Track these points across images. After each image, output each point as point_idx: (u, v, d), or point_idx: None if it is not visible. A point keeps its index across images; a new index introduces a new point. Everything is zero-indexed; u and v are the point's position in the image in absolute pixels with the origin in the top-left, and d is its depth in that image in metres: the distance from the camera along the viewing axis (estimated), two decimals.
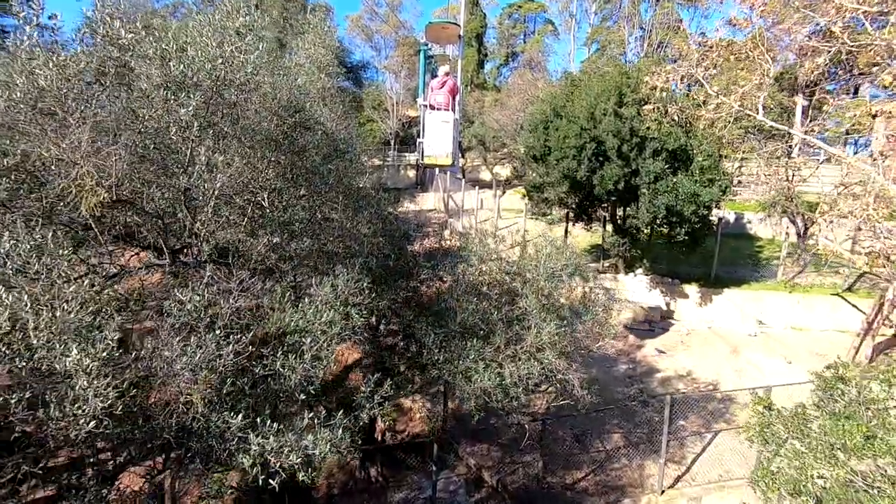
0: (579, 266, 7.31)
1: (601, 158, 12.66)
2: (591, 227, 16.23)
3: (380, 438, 11.29)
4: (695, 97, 12.62)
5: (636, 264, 16.65)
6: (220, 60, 4.18)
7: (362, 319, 5.06)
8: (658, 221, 12.69)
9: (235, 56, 4.52)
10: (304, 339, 4.58)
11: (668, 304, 16.13)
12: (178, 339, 3.96)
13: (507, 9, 46.93)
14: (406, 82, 41.22)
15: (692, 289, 15.93)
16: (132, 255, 5.49)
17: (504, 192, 24.42)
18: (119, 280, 4.49)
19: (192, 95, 3.98)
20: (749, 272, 17.14)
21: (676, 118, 12.58)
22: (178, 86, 4.04)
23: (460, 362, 6.16)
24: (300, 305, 4.81)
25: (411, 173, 32.59)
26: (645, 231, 13.03)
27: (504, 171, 26.75)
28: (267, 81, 5.28)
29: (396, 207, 9.04)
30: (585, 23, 41.78)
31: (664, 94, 13.00)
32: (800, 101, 27.32)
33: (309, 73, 7.71)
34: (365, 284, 5.38)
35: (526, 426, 7.96)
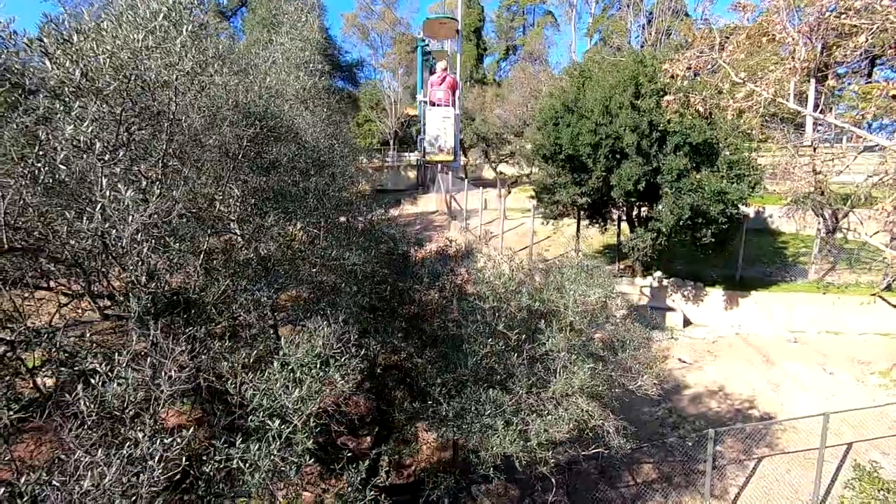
0: (613, 292, 6.11)
1: (618, 156, 11.44)
2: (605, 229, 14.99)
3: (384, 476, 10.17)
4: (720, 85, 11.40)
5: (654, 266, 15.42)
6: (136, 55, 3.00)
7: (348, 385, 3.90)
8: (682, 223, 11.46)
9: (167, 50, 3.35)
10: (271, 422, 3.43)
11: (690, 310, 14.91)
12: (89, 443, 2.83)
13: (505, 1, 45.51)
14: (404, 80, 39.95)
15: (716, 292, 14.70)
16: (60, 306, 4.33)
17: (510, 192, 23.19)
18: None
19: (93, 103, 2.81)
20: (775, 271, 15.89)
21: (701, 109, 11.34)
22: (76, 92, 2.87)
23: (475, 418, 4.99)
24: (267, 372, 3.67)
25: (412, 174, 31.39)
26: (667, 234, 11.81)
27: (509, 170, 25.50)
28: (219, 82, 4.10)
29: (393, 223, 7.82)
30: (586, 13, 40.36)
31: (685, 82, 11.76)
32: (812, 85, 25.98)
33: (285, 72, 6.52)
34: (353, 336, 4.23)
35: (552, 479, 6.80)
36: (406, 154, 34.50)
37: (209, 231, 4.26)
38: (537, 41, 39.47)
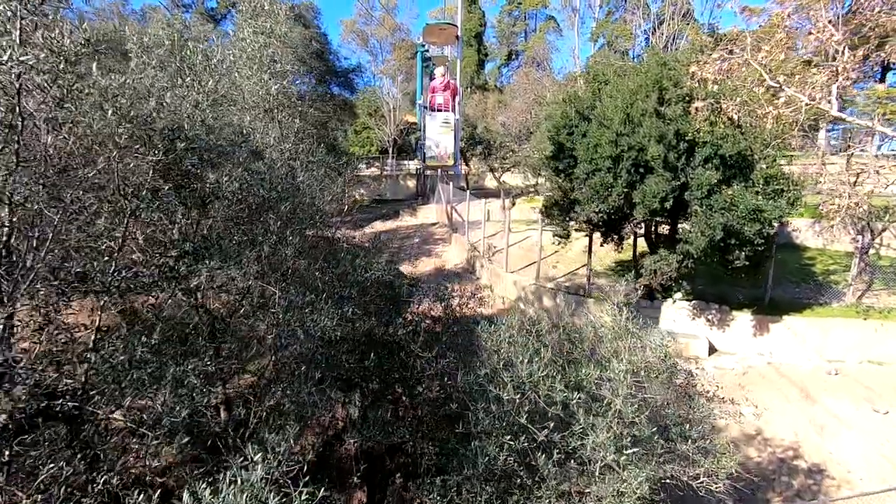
0: (671, 360, 4.69)
1: (641, 170, 10.04)
2: (621, 248, 13.57)
3: None
4: (754, 90, 10.02)
5: (673, 287, 13.97)
6: None
7: None
8: (713, 245, 10.05)
9: None
10: None
11: (715, 336, 13.46)
12: None
13: (506, 6, 44.29)
14: (404, 87, 38.69)
15: (744, 316, 13.25)
16: None
17: (514, 204, 21.77)
18: None
19: None
20: (806, 292, 14.46)
21: (735, 117, 9.95)
22: None
23: None
24: None
25: (411, 183, 30.02)
26: (697, 257, 10.39)
27: (512, 180, 24.10)
28: (103, 84, 2.70)
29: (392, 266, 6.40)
30: (589, 17, 39.08)
31: (715, 87, 10.38)
32: (834, 90, 24.59)
33: (244, 74, 5.14)
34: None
35: None
36: (405, 162, 33.17)
37: (102, 296, 2.85)
38: (540, 46, 38.19)
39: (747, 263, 10.60)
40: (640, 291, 14.59)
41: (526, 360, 3.66)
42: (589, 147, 10.03)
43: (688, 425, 4.49)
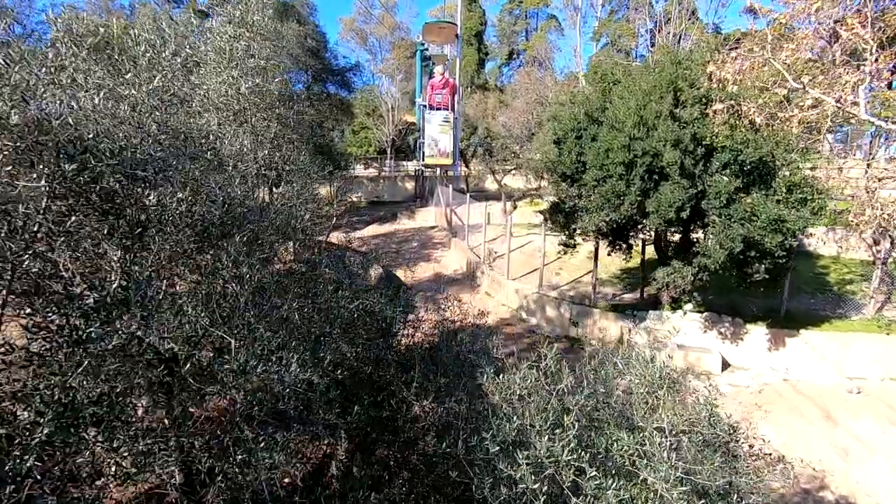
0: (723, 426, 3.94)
1: (656, 177, 9.28)
2: (629, 257, 12.82)
3: None
4: (776, 92, 9.28)
5: (683, 297, 13.23)
6: None
7: None
8: (732, 257, 9.30)
9: None
10: None
11: (728, 350, 12.72)
12: None
13: (507, 5, 43.47)
14: (403, 86, 37.89)
15: (759, 330, 12.51)
16: None
17: (515, 207, 21.00)
18: None
19: None
20: (822, 304, 13.73)
21: (758, 120, 9.20)
22: None
23: None
24: None
25: (409, 185, 29.22)
26: (715, 270, 9.63)
27: (513, 182, 23.32)
28: None
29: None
30: (592, 16, 38.28)
31: (734, 88, 9.63)
32: (862, 91, 23.89)
33: (212, 70, 4.36)
34: None
35: None
36: (404, 163, 32.38)
37: None
38: (541, 45, 37.38)
39: (767, 277, 9.85)
40: (646, 300, 13.90)
41: (546, 431, 2.91)
42: (599, 152, 9.27)
43: (735, 497, 3.73)
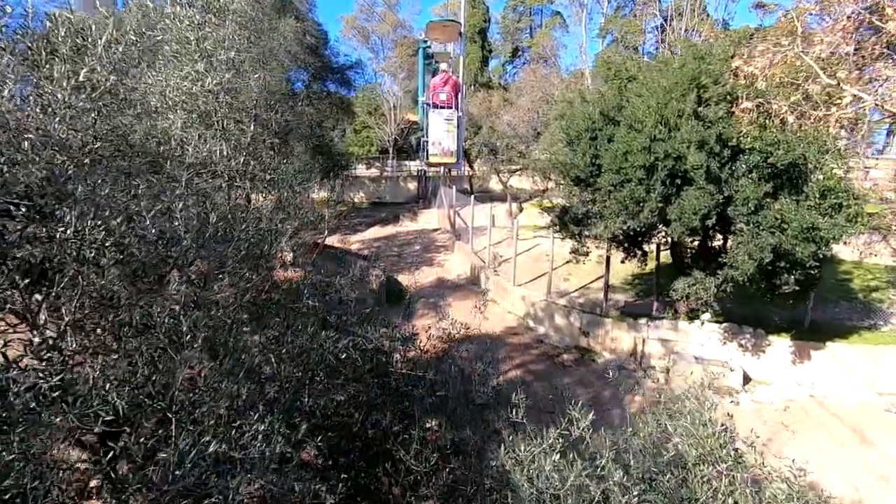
0: None
1: (678, 181, 8.50)
2: (645, 265, 12.05)
3: None
4: (809, 89, 8.49)
5: (701, 307, 12.43)
6: None
7: None
8: (761, 268, 8.53)
9: None
10: None
11: (749, 363, 11.94)
12: None
13: (511, 1, 42.56)
14: (405, 84, 37.12)
15: (782, 342, 11.72)
16: None
17: (521, 209, 20.22)
18: None
19: None
20: (848, 313, 12.93)
21: (791, 119, 8.40)
22: None
23: None
24: None
25: (412, 185, 28.45)
26: (743, 282, 8.85)
27: (520, 183, 22.54)
28: None
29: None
30: (597, 12, 37.40)
31: (763, 84, 8.84)
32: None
33: (163, 63, 3.63)
34: None
35: None
36: (406, 163, 31.61)
37: None
38: (546, 43, 36.52)
39: (797, 289, 9.06)
40: (660, 308, 13.11)
41: None
42: (616, 154, 8.49)
43: None
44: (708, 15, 30.85)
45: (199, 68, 3.67)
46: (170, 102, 3.54)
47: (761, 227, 8.50)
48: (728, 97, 8.86)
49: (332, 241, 21.91)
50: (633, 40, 33.47)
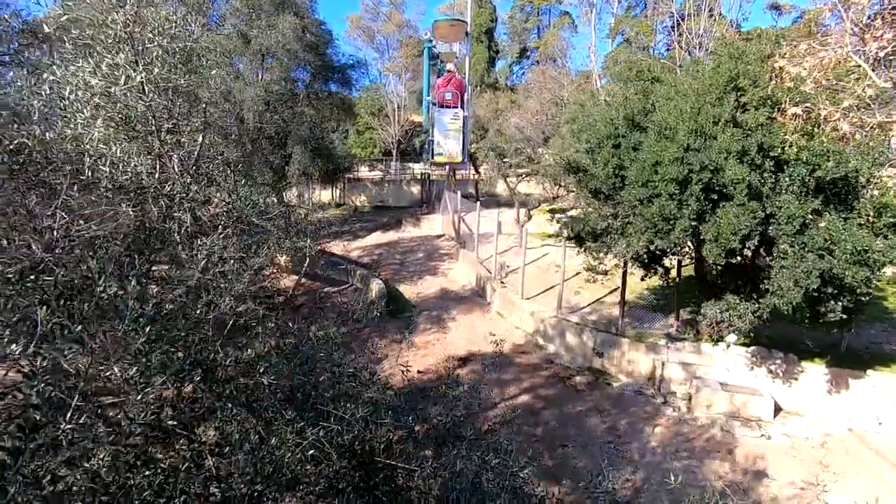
0: None
1: (714, 196, 7.47)
2: (667, 282, 11.00)
3: None
4: (862, 93, 7.46)
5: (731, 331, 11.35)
6: None
7: None
8: (807, 294, 7.48)
9: None
10: None
11: (780, 391, 10.88)
12: None
13: (518, 1, 41.50)
14: (410, 85, 36.17)
15: (816, 369, 10.65)
16: None
17: (530, 217, 19.18)
18: None
19: None
20: (887, 336, 11.84)
21: (847, 128, 7.36)
22: None
23: None
24: None
25: (415, 189, 27.44)
26: (787, 311, 7.80)
27: (528, 188, 21.50)
28: None
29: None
30: (607, 13, 36.29)
31: (809, 87, 7.80)
32: None
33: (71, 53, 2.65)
34: None
35: None
36: (410, 165, 30.62)
37: None
38: (554, 43, 35.45)
39: (844, 317, 8.00)
40: (681, 328, 12.06)
41: None
42: (645, 165, 7.47)
43: None
44: (722, 16, 29.71)
45: (121, 60, 2.69)
46: (77, 104, 2.55)
47: (807, 249, 7.45)
48: (768, 101, 7.82)
49: (334, 247, 20.97)
50: (645, 41, 32.38)
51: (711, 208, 7.44)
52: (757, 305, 8.02)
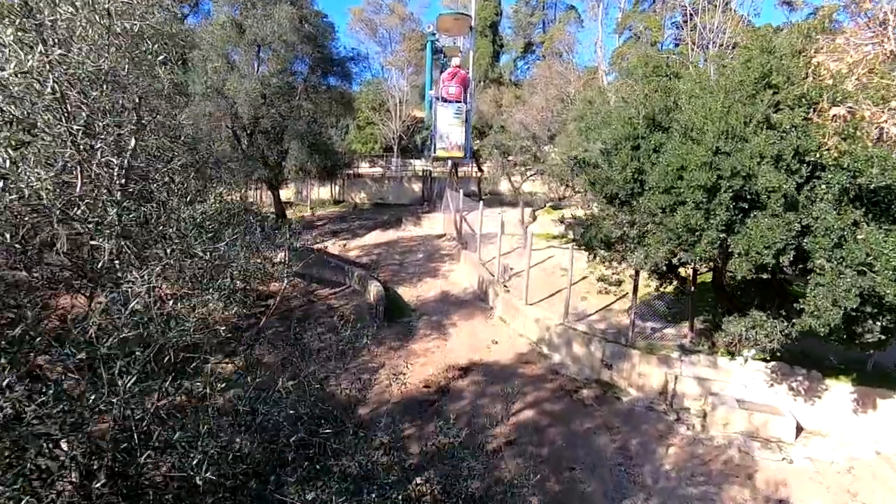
0: None
1: (744, 205, 6.72)
2: (685, 289, 10.27)
3: None
4: None
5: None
6: None
7: None
8: (845, 314, 6.75)
9: None
10: None
11: (801, 410, 10.17)
12: None
13: None
14: (413, 79, 35.32)
15: (841, 387, 9.94)
16: None
17: (535, 218, 18.42)
18: None
19: None
20: None
21: (894, 130, 6.60)
22: None
23: None
24: None
25: (416, 186, 26.66)
26: (824, 333, 7.07)
27: (533, 188, 20.73)
28: None
29: None
30: (614, 7, 35.31)
31: (850, 84, 7.06)
32: None
33: None
34: None
35: None
36: (411, 161, 29.82)
37: None
38: (560, 37, 34.53)
39: (882, 338, 7.28)
40: (694, 339, 11.32)
41: None
42: (668, 170, 6.72)
43: None
44: (733, 11, 28.83)
45: (6, 37, 1.96)
46: None
47: (845, 264, 6.70)
48: (803, 100, 7.05)
49: (332, 247, 20.25)
50: (653, 36, 31.48)
51: (741, 218, 6.70)
52: (786, 323, 7.28)
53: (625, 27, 33.96)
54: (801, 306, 6.78)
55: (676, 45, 32.13)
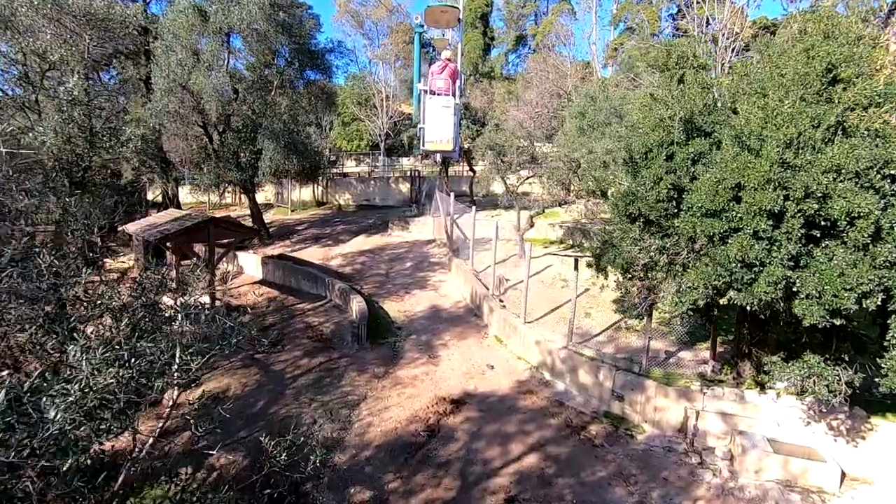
0: None
1: (816, 233, 5.20)
2: (710, 314, 8.80)
3: None
4: None
5: (774, 369, 9.13)
6: None
7: None
8: None
9: None
10: None
11: (844, 452, 8.77)
12: None
13: None
14: (401, 73, 33.49)
15: (891, 428, 8.56)
16: None
17: (532, 224, 16.86)
18: None
19: None
20: None
21: None
22: None
23: None
24: None
25: (404, 187, 24.93)
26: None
27: (528, 187, 19.14)
28: None
29: None
30: None
31: None
32: None
33: None
34: None
35: None
36: (398, 160, 28.05)
37: None
38: (553, 30, 32.85)
39: None
40: (716, 367, 9.82)
41: None
42: (720, 188, 5.17)
43: None
44: (731, 2, 27.35)
45: None
46: None
47: None
48: (887, 98, 5.53)
49: (313, 254, 18.53)
50: (650, 28, 29.93)
51: (808, 250, 5.19)
52: (852, 374, 5.81)
53: (620, 19, 32.42)
54: (884, 363, 5.29)
55: (674, 37, 30.67)
